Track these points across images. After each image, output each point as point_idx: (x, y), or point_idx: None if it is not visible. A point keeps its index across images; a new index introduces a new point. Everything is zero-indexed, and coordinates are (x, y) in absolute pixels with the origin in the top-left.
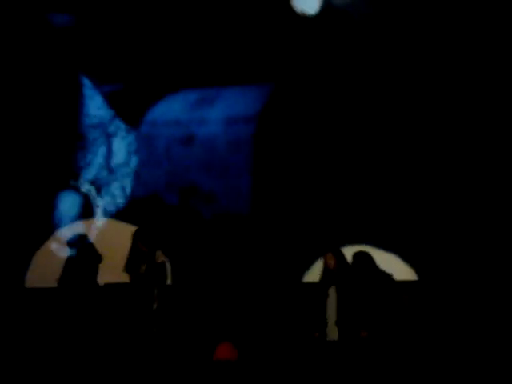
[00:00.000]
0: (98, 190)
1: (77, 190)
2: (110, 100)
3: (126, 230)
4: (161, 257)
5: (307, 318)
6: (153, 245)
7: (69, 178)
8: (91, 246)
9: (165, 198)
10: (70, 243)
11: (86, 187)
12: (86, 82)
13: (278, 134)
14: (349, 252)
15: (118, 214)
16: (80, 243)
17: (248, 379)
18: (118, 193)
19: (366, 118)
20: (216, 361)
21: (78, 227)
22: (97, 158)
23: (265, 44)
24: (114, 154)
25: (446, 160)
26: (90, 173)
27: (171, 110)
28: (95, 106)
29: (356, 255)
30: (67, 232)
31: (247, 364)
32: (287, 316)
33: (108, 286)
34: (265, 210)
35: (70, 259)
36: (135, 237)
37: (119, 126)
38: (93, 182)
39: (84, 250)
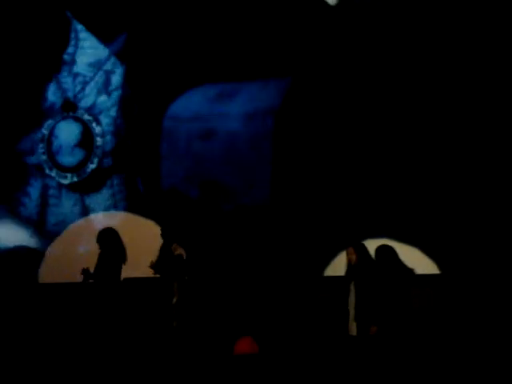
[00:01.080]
0: (97, 118)
1: (76, 119)
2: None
3: (144, 224)
4: (177, 249)
5: (328, 312)
6: (169, 238)
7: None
8: (117, 240)
9: (185, 192)
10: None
11: (85, 117)
12: (79, 26)
13: (298, 128)
14: (371, 245)
15: (140, 208)
16: (106, 238)
17: (268, 373)
18: (117, 114)
19: (386, 110)
20: (236, 355)
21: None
22: (95, 89)
23: (284, 37)
24: (112, 83)
25: (470, 152)
26: (88, 101)
27: (191, 104)
28: (91, 47)
29: (378, 249)
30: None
31: (267, 358)
32: (307, 310)
33: (127, 280)
34: (285, 203)
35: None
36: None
37: (116, 63)
38: (92, 109)
39: (109, 245)
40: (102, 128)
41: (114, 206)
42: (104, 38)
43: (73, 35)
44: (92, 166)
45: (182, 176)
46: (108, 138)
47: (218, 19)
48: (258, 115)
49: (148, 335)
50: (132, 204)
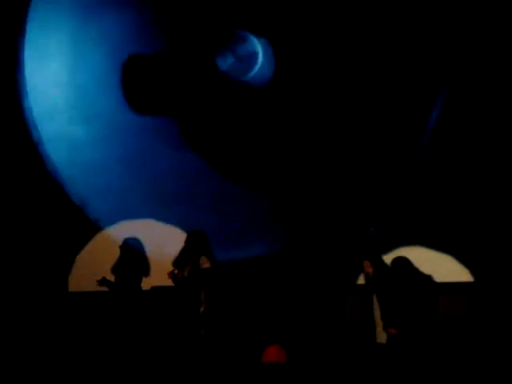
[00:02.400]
0: None
1: None
2: None
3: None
4: (205, 263)
5: (356, 320)
6: (198, 250)
7: None
8: (141, 251)
9: None
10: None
11: None
12: None
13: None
14: (404, 253)
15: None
16: (130, 246)
17: (296, 381)
18: None
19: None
20: (264, 364)
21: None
22: None
23: None
24: None
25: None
26: None
27: None
28: None
29: (394, 261)
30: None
31: (295, 366)
32: (336, 318)
33: (155, 289)
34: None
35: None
36: (187, 238)
37: None
38: None
39: (132, 254)
40: None
41: None
42: None
43: None
44: None
45: None
46: None
47: None
48: None
49: (175, 344)
50: None
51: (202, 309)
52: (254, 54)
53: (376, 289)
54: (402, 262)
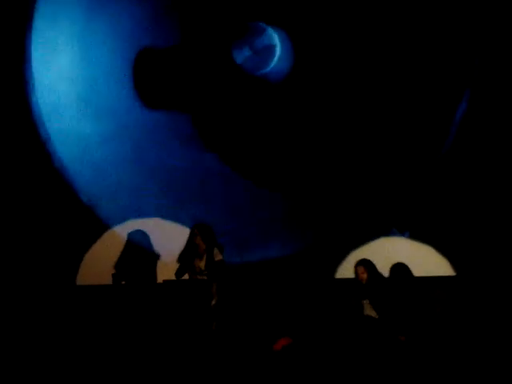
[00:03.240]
0: None
1: None
2: None
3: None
4: (218, 255)
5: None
6: (211, 242)
7: None
8: (149, 242)
9: None
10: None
11: None
12: None
13: None
14: (384, 243)
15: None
16: (138, 240)
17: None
18: None
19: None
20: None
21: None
22: None
23: None
24: None
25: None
26: None
27: None
28: None
29: (393, 268)
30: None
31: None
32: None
33: (167, 282)
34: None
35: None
36: (196, 231)
37: None
38: None
39: (141, 248)
40: None
41: None
42: None
43: None
44: None
45: None
46: None
47: None
48: None
49: (187, 337)
50: None
51: (213, 302)
52: (272, 47)
53: (369, 295)
54: (402, 269)
